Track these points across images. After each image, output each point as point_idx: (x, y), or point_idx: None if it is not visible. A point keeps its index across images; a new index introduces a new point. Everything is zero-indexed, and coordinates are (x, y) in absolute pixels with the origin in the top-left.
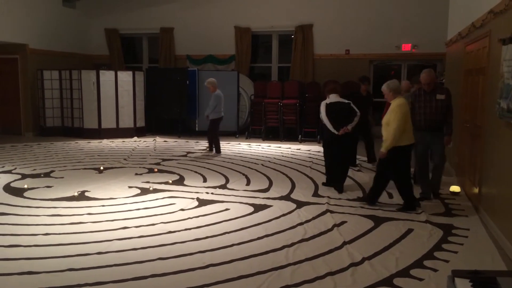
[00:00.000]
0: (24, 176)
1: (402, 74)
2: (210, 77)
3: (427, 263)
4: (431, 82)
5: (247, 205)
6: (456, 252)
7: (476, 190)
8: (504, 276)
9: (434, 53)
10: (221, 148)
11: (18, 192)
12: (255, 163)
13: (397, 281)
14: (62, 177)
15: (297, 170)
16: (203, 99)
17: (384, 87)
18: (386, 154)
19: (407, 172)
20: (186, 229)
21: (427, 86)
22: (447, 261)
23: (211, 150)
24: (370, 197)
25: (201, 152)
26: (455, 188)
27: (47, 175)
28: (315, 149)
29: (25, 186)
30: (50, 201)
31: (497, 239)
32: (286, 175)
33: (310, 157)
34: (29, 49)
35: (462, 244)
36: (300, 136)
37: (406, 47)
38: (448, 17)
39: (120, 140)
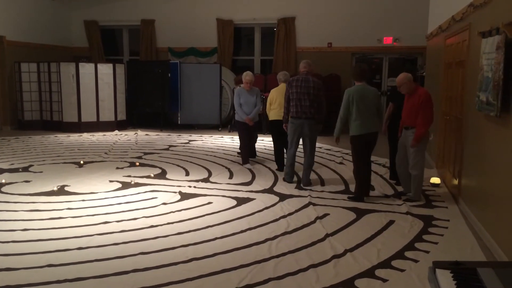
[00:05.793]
0: (1, 171)
1: (383, 67)
2: (192, 69)
3: (408, 254)
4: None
5: (230, 199)
6: (436, 243)
7: (456, 182)
8: (484, 267)
9: (415, 46)
10: (246, 159)
11: None
12: (238, 157)
13: (379, 272)
14: (41, 172)
15: None
16: (185, 92)
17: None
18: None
19: (280, 144)
20: (168, 223)
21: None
22: (427, 252)
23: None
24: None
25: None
26: (435, 180)
27: (25, 169)
28: None
29: (3, 181)
30: (28, 196)
31: (476, 230)
32: (269, 168)
33: None
34: (6, 41)
35: (442, 235)
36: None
37: (388, 40)
38: (429, 10)
39: (101, 133)
